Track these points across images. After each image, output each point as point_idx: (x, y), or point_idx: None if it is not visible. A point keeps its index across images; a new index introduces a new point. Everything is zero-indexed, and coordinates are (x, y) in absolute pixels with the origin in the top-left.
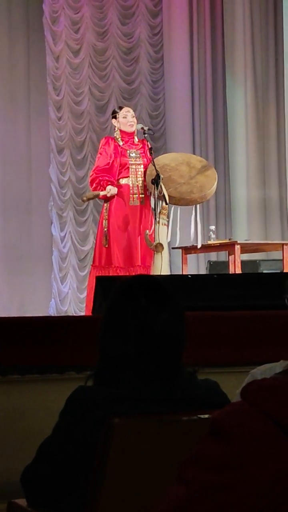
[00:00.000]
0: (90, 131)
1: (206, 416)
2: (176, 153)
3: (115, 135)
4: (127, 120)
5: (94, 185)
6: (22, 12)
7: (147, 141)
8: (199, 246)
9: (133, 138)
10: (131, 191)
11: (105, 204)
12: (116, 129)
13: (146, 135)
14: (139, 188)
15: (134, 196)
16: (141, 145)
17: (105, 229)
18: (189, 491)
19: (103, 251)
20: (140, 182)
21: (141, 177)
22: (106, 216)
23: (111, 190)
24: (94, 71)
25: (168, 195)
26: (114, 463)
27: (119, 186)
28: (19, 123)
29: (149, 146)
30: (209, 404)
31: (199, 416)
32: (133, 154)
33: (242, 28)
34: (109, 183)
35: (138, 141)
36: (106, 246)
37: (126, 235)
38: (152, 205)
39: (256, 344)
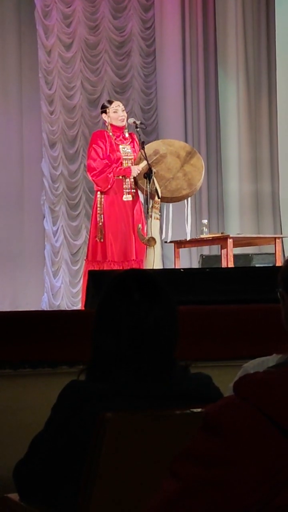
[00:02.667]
0: (82, 125)
1: (199, 410)
2: (157, 141)
3: (108, 128)
4: (117, 114)
5: (105, 179)
6: (14, 6)
7: (137, 135)
8: (188, 238)
9: (124, 132)
10: (124, 185)
11: (98, 198)
12: (107, 123)
13: (138, 129)
14: (131, 183)
15: (127, 191)
16: (130, 140)
17: (100, 224)
18: (181, 486)
19: (98, 246)
20: (132, 177)
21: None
22: (101, 211)
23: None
24: (86, 65)
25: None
26: (106, 458)
27: (113, 181)
28: (11, 117)
29: (141, 140)
30: (202, 398)
31: (192, 410)
32: (125, 149)
33: (234, 22)
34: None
35: (128, 136)
36: (102, 240)
37: (120, 229)
38: (142, 199)
39: (249, 338)
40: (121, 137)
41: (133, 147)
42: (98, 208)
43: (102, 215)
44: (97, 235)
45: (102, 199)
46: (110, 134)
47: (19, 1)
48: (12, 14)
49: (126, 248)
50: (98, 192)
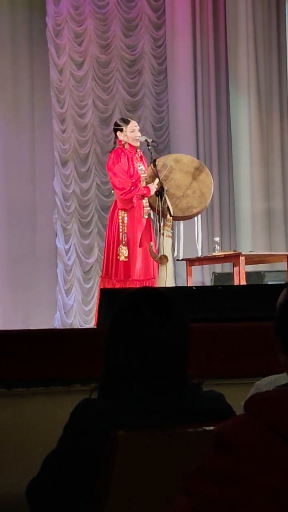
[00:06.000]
0: (94, 143)
1: (211, 428)
2: (164, 156)
3: (125, 147)
4: (135, 134)
5: (131, 199)
6: (26, 25)
7: (148, 153)
8: (199, 255)
9: (137, 151)
10: (144, 204)
11: (120, 217)
12: (122, 142)
13: (150, 147)
14: (147, 201)
15: (146, 209)
16: (139, 157)
17: (123, 242)
18: (193, 503)
19: (120, 264)
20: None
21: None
22: (123, 229)
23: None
24: (98, 83)
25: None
26: (119, 476)
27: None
28: (23, 136)
29: (152, 158)
30: (215, 416)
31: (204, 428)
32: (140, 167)
33: (245, 39)
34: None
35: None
36: (125, 259)
37: (142, 248)
38: (152, 217)
39: (261, 356)
40: (136, 155)
41: (143, 164)
42: (120, 226)
43: (125, 234)
44: (120, 253)
45: (126, 218)
46: (128, 152)
47: (30, 20)
48: (24, 33)
49: (147, 266)
50: (120, 210)
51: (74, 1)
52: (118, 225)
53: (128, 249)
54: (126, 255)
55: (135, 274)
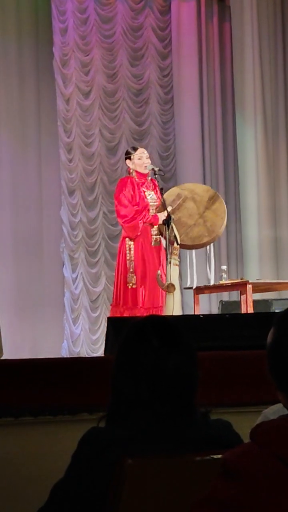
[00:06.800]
0: (101, 172)
1: (219, 456)
2: (179, 186)
3: (132, 175)
4: (142, 161)
5: (136, 226)
6: (32, 55)
7: (157, 181)
8: (212, 283)
9: (147, 179)
10: (152, 232)
11: (127, 245)
12: (131, 170)
13: (156, 175)
14: (157, 229)
15: (154, 237)
16: (152, 186)
17: (131, 270)
18: None
19: (128, 292)
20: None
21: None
22: (130, 257)
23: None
24: (105, 112)
25: (181, 242)
26: (127, 504)
27: (142, 228)
28: (30, 165)
29: (160, 187)
30: (222, 444)
31: (212, 456)
32: (150, 195)
33: (251, 68)
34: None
35: (151, 182)
36: (134, 286)
37: (150, 275)
38: (164, 245)
39: (269, 384)
40: (145, 184)
41: (156, 193)
42: (127, 255)
43: (132, 262)
44: (128, 281)
45: (132, 246)
46: (136, 180)
47: (37, 50)
48: (31, 63)
49: (155, 294)
50: (127, 239)
51: (80, 31)
52: (126, 253)
53: (136, 276)
54: (134, 282)
55: (141, 302)
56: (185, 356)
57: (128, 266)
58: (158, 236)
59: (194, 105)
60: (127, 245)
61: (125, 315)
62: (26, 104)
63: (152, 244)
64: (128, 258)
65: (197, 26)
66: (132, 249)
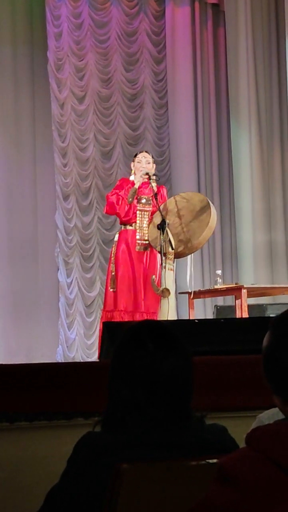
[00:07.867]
0: (96, 177)
1: (215, 461)
2: (179, 195)
3: (132, 178)
4: (140, 165)
5: (115, 203)
6: (27, 60)
7: (150, 185)
8: (190, 290)
9: (150, 183)
10: (137, 236)
11: (113, 248)
12: (132, 171)
13: (151, 180)
14: (144, 234)
15: (139, 242)
16: (148, 191)
17: (113, 273)
18: None
19: (111, 295)
20: (145, 229)
21: (147, 224)
22: (114, 261)
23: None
24: (99, 117)
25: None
26: (123, 509)
27: (125, 232)
28: (25, 170)
29: (154, 192)
30: (218, 449)
31: (207, 461)
32: (144, 200)
33: (245, 72)
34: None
35: (151, 188)
36: (114, 290)
37: (131, 280)
38: (159, 250)
39: (264, 389)
40: (143, 187)
41: (153, 199)
42: (112, 258)
43: (114, 265)
44: (110, 284)
45: (115, 249)
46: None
47: (32, 54)
48: (25, 67)
49: (136, 299)
50: (113, 245)
51: (75, 36)
52: (111, 257)
53: (116, 279)
54: (113, 285)
55: (120, 305)
56: (181, 361)
57: (111, 269)
58: (143, 241)
59: (188, 110)
60: (113, 250)
61: (108, 318)
62: (20, 109)
63: (136, 249)
64: (112, 261)
65: (191, 31)
66: (114, 252)
